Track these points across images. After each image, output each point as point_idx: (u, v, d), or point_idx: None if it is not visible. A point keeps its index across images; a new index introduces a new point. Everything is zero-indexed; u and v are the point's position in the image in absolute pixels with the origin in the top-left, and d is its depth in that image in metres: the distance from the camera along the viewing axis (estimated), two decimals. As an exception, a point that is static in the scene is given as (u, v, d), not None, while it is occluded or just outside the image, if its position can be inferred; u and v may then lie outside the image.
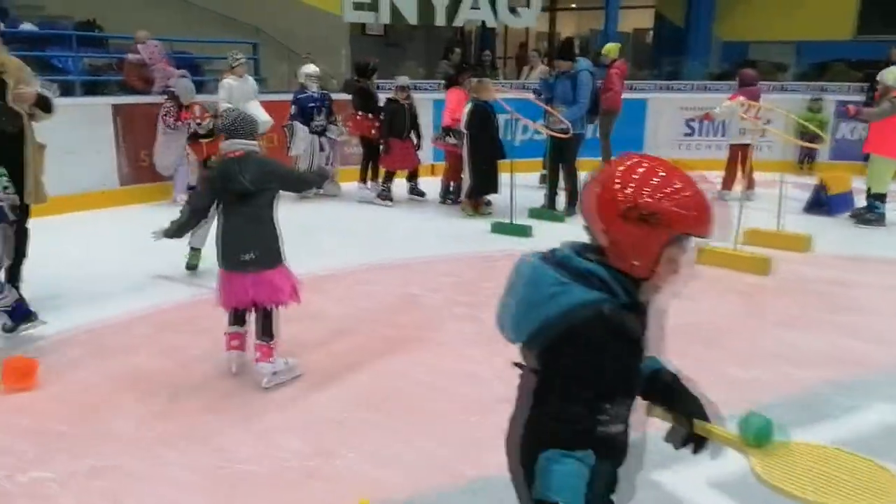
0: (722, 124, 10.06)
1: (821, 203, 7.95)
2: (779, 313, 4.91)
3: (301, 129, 8.06)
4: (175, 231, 3.92)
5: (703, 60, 15.99)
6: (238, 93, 7.90)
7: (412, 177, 8.33)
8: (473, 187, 7.48)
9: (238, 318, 3.85)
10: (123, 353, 4.22)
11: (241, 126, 3.68)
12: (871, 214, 7.52)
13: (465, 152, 7.62)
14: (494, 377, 3.83)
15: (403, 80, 8.24)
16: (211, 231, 4.11)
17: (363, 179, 8.45)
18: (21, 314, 4.24)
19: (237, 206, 3.65)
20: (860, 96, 10.58)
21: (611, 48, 9.55)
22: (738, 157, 8.64)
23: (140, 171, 7.97)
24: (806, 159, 10.64)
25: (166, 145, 7.70)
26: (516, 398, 1.74)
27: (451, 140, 7.87)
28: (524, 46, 19.78)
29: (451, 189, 8.14)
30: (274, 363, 3.75)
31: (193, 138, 6.72)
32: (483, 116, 7.39)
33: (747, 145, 8.48)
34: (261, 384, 3.72)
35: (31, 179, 4.62)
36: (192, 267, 5.55)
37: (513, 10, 10.42)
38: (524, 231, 6.91)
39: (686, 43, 16.86)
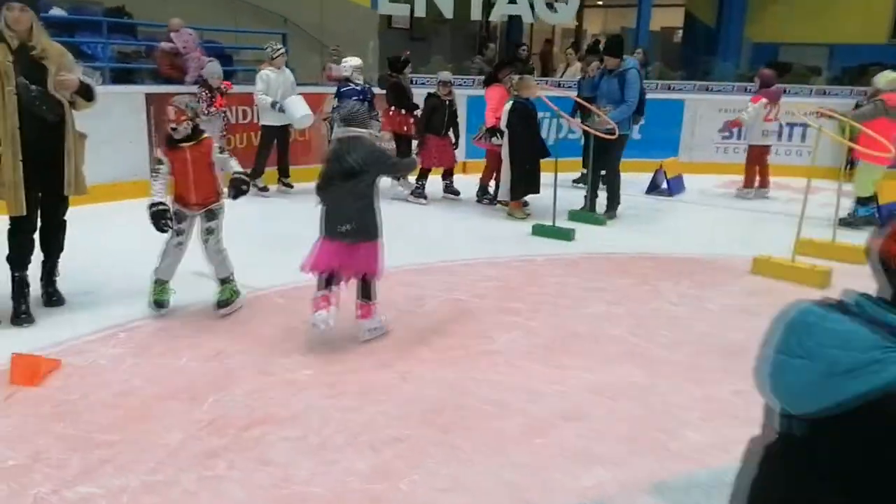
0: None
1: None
2: None
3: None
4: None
5: (734, 61, 15.75)
6: (276, 84, 7.72)
7: (447, 175, 8.12)
8: (515, 188, 7.25)
9: (328, 281, 4.20)
10: (165, 354, 4.04)
11: (355, 117, 4.23)
12: (854, 218, 7.70)
13: (504, 151, 7.42)
14: (554, 392, 3.68)
15: (446, 75, 8.03)
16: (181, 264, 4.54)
17: (397, 178, 8.24)
18: None
19: (343, 182, 4.10)
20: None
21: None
22: (758, 157, 9.04)
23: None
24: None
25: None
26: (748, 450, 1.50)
27: (497, 140, 7.63)
28: (550, 42, 19.56)
29: (489, 189, 7.92)
30: (372, 320, 4.30)
31: (171, 144, 5.41)
32: (524, 114, 7.18)
33: (768, 146, 9.04)
34: (360, 338, 4.27)
35: (71, 170, 4.44)
36: (159, 304, 4.60)
37: (550, 6, 10.17)
38: (567, 234, 6.70)
39: (716, 43, 16.63)
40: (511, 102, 7.33)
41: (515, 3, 9.89)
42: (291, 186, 8.23)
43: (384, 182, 8.15)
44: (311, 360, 4.00)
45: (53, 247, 4.64)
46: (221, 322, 4.52)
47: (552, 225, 6.82)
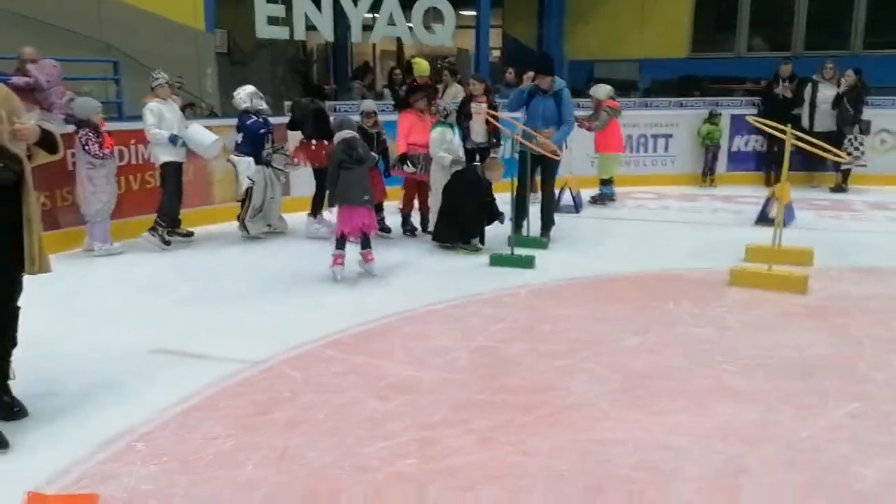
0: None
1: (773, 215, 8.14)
2: (890, 340, 4.70)
3: (245, 162, 6.97)
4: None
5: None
6: (169, 116, 6.71)
7: (377, 210, 7.48)
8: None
9: (343, 243, 5.99)
10: (217, 463, 3.18)
11: (344, 124, 6.25)
12: (602, 197, 9.53)
13: (434, 179, 7.07)
14: (688, 444, 3.35)
15: (369, 104, 7.45)
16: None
17: (315, 213, 7.49)
18: None
19: (356, 166, 5.93)
20: (752, 110, 11.17)
21: (422, 67, 8.98)
22: None
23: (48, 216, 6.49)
24: (708, 172, 11.05)
25: (93, 183, 6.34)
26: None
27: (409, 168, 7.18)
28: (368, 65, 19.34)
29: (410, 218, 7.50)
30: (374, 263, 6.07)
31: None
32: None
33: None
34: (372, 274, 6.01)
35: (34, 243, 3.40)
36: None
37: (427, 28, 9.86)
38: (528, 262, 6.40)
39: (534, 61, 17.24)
40: (439, 129, 6.99)
41: (395, 24, 9.46)
42: (191, 234, 7.16)
43: (300, 220, 7.47)
44: (404, 446, 3.33)
45: (4, 343, 3.54)
46: (243, 407, 3.67)
47: (511, 254, 6.47)
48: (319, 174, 7.41)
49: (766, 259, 6.24)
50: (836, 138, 9.85)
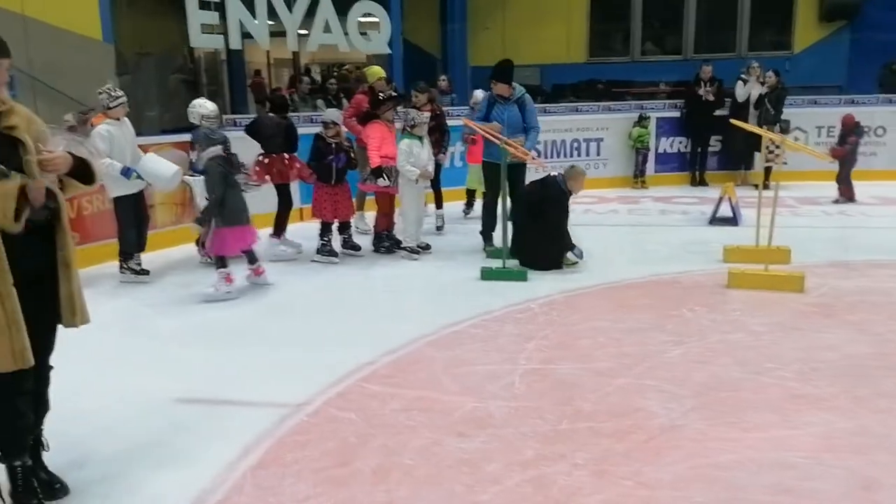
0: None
1: (722, 214, 8.34)
2: None
3: (200, 182, 6.37)
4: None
5: (462, 86, 16.39)
6: (121, 142, 6.01)
7: (344, 228, 7.05)
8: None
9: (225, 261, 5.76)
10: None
11: (215, 136, 5.91)
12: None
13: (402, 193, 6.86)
14: (803, 459, 3.25)
15: (333, 113, 6.96)
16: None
17: (278, 234, 6.96)
18: None
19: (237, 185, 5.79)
20: (675, 112, 11.50)
21: (375, 71, 8.61)
22: None
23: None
24: (639, 174, 11.27)
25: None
26: None
27: (384, 181, 6.82)
28: (259, 73, 18.67)
29: (383, 235, 7.11)
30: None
31: None
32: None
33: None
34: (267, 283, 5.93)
35: (74, 291, 2.87)
36: None
37: (364, 34, 9.47)
38: (521, 275, 6.19)
39: (436, 69, 17.14)
40: (407, 141, 6.69)
41: (331, 32, 9.01)
42: (147, 272, 6.39)
43: (262, 242, 6.92)
44: (520, 490, 3.03)
45: (39, 409, 2.97)
46: (317, 458, 3.25)
47: (503, 267, 6.24)
48: (283, 191, 6.91)
49: (745, 259, 6.37)
50: (758, 137, 10.19)
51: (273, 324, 5.23)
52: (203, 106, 6.53)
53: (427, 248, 7.07)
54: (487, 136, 6.44)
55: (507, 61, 6.99)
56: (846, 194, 9.49)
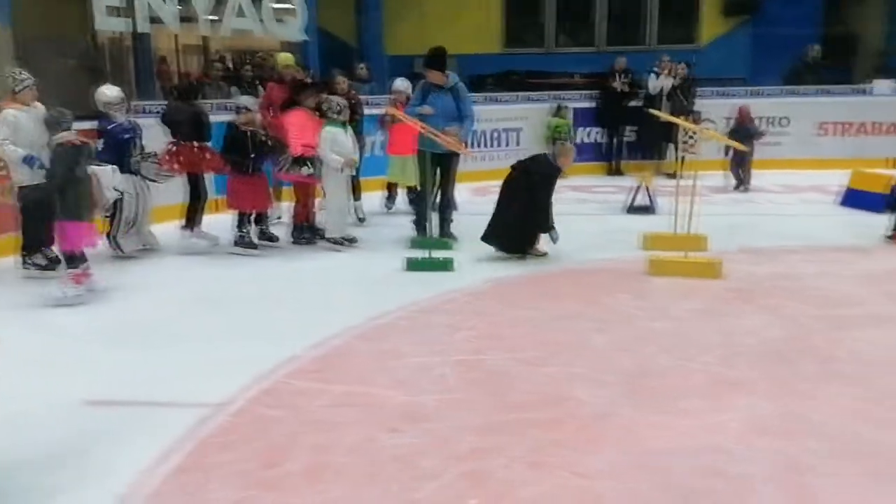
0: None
1: (640, 203, 8.51)
2: (824, 318, 4.94)
3: (109, 172, 6.03)
4: None
5: (378, 74, 16.23)
6: (29, 127, 5.62)
7: (261, 219, 6.82)
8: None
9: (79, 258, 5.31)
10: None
11: (62, 123, 5.34)
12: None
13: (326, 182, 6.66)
14: (735, 444, 3.30)
15: (246, 100, 6.70)
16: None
17: (190, 226, 6.67)
18: None
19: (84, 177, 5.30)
20: (591, 103, 11.67)
21: (284, 58, 8.25)
22: None
23: None
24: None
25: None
26: None
27: (308, 170, 6.61)
28: (165, 61, 17.96)
29: (302, 226, 6.90)
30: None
31: None
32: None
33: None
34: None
35: None
36: None
37: (279, 21, 9.20)
38: (447, 265, 6.13)
39: (356, 59, 16.92)
40: (331, 129, 6.50)
41: (245, 16, 8.71)
42: (53, 268, 5.91)
43: (173, 235, 6.63)
44: (457, 484, 2.98)
45: None
46: (245, 460, 3.10)
47: (429, 257, 6.17)
48: (194, 181, 6.62)
49: (663, 246, 6.48)
50: (670, 127, 10.41)
51: (192, 319, 5.00)
52: (105, 94, 6.17)
53: (353, 240, 6.88)
54: (416, 126, 6.34)
55: (440, 48, 6.93)
56: (746, 179, 9.84)
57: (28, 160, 5.56)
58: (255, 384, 3.86)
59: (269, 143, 6.51)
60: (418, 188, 7.23)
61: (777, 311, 5.07)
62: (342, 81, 7.97)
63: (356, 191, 8.04)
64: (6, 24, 10.23)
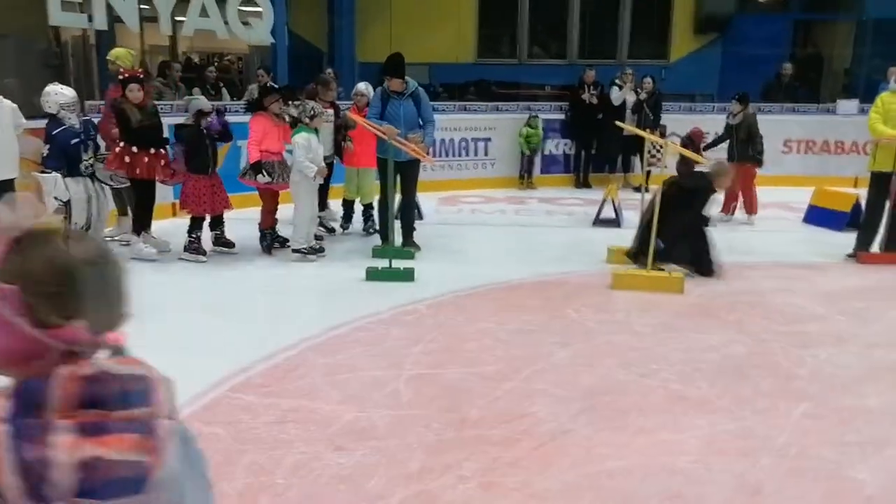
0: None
1: (606, 216, 8.44)
2: (785, 335, 4.88)
3: (51, 180, 5.82)
4: None
5: (349, 81, 16.11)
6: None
7: (217, 223, 6.61)
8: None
9: None
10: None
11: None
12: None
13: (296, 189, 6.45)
14: (691, 464, 3.19)
15: (203, 102, 6.50)
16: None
17: (138, 231, 6.43)
18: None
19: None
20: (560, 114, 11.64)
21: (121, 54, 7.03)
22: None
23: None
24: (525, 175, 11.32)
25: None
26: None
27: (264, 178, 6.42)
28: (141, 64, 17.63)
29: (268, 234, 6.68)
30: None
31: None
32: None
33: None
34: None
35: None
36: None
37: (245, 23, 9.02)
38: (407, 275, 5.99)
39: (325, 64, 16.81)
40: (305, 134, 6.31)
41: (208, 16, 8.51)
42: None
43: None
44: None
45: None
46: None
47: (389, 267, 6.02)
48: (142, 186, 6.35)
49: (627, 260, 6.42)
50: (634, 140, 10.34)
51: (134, 329, 4.74)
52: (60, 93, 5.94)
53: (321, 250, 6.67)
54: (380, 133, 6.22)
55: (398, 55, 6.77)
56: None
57: None
58: (196, 399, 3.67)
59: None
60: (373, 204, 7.13)
61: (738, 327, 5.01)
62: (334, 88, 7.63)
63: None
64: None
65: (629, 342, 4.69)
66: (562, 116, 11.64)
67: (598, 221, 8.45)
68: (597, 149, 11.40)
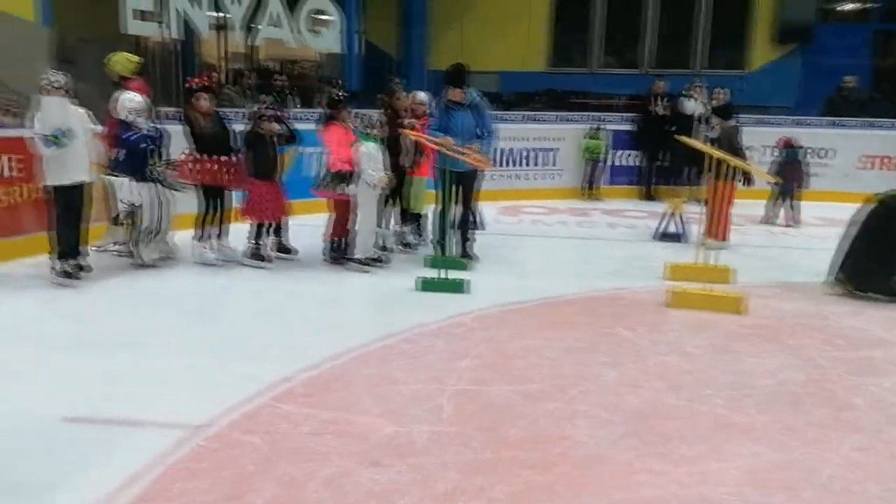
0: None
1: (669, 230, 8.24)
2: (846, 361, 4.67)
3: (122, 184, 6.05)
4: None
5: (420, 88, 16.16)
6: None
7: (278, 230, 6.75)
8: None
9: None
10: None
11: None
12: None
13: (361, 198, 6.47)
14: (729, 496, 3.06)
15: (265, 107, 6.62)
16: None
17: (202, 236, 6.60)
18: None
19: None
20: (630, 125, 11.44)
21: (123, 60, 6.91)
22: None
23: None
24: (587, 186, 11.17)
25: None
26: None
27: (345, 187, 6.41)
28: (211, 68, 18.14)
29: (338, 244, 6.69)
30: None
31: None
32: None
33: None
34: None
35: None
36: None
37: (314, 31, 9.21)
38: (460, 286, 5.98)
39: (397, 71, 16.94)
40: (370, 144, 6.34)
41: (279, 26, 8.73)
42: (78, 277, 5.91)
43: (187, 248, 6.58)
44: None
45: None
46: (206, 490, 2.98)
47: (442, 278, 6.02)
48: (209, 192, 6.53)
49: (687, 276, 6.25)
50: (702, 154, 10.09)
51: (186, 333, 4.91)
52: (131, 100, 6.17)
53: (380, 261, 6.67)
54: (440, 149, 6.23)
55: (460, 65, 6.77)
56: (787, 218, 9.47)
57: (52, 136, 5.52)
58: (239, 407, 3.74)
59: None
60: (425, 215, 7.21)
61: (797, 351, 4.81)
62: (403, 98, 7.62)
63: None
64: (47, 24, 10.44)
65: (680, 364, 4.56)
66: (631, 127, 11.44)
67: (661, 236, 8.26)
68: (665, 161, 11.17)
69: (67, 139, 5.56)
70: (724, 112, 8.34)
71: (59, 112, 5.63)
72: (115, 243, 6.73)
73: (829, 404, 4.01)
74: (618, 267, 6.98)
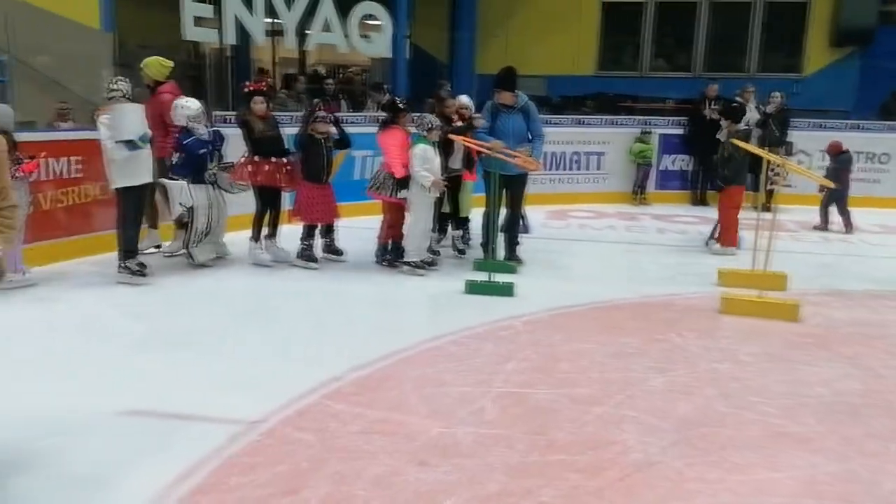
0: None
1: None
2: None
3: (179, 186, 6.21)
4: None
5: (469, 92, 16.16)
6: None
7: (328, 231, 6.84)
8: None
9: None
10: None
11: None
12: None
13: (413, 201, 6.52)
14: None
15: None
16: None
17: (258, 237, 6.73)
18: None
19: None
20: (679, 129, 11.30)
21: (156, 65, 6.83)
22: None
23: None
24: (639, 190, 11.06)
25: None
26: None
27: (405, 192, 6.45)
28: (264, 73, 18.44)
29: (392, 247, 6.75)
30: None
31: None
32: None
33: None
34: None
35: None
36: None
37: (365, 37, 9.29)
38: (507, 290, 5.98)
39: (445, 75, 16.98)
40: (423, 146, 6.35)
41: (331, 31, 8.83)
42: (144, 274, 6.07)
43: (243, 247, 6.71)
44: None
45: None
46: (263, 485, 3.03)
47: (489, 280, 6.03)
48: (265, 194, 6.66)
49: (740, 283, 6.16)
50: (757, 158, 9.89)
51: (240, 332, 5.01)
52: (186, 107, 6.32)
53: (433, 263, 6.70)
54: (485, 151, 6.25)
55: (510, 68, 6.78)
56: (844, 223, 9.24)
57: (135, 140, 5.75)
58: (291, 404, 3.81)
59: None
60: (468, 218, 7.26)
61: (855, 360, 4.69)
62: (451, 105, 7.45)
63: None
64: (109, 30, 10.76)
65: (732, 371, 4.49)
66: (681, 131, 11.30)
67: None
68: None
69: (144, 143, 5.77)
70: (733, 114, 8.08)
71: (135, 118, 5.87)
72: (156, 247, 6.96)
73: (889, 415, 3.91)
74: (668, 273, 6.90)
